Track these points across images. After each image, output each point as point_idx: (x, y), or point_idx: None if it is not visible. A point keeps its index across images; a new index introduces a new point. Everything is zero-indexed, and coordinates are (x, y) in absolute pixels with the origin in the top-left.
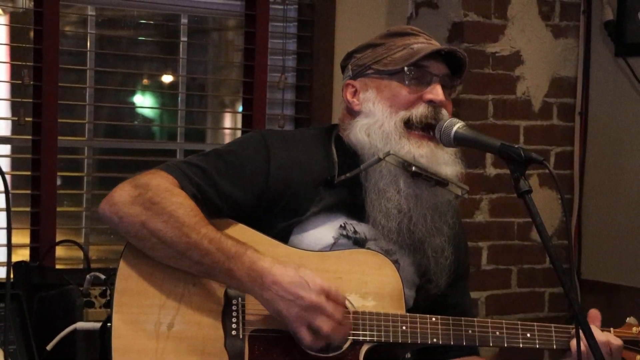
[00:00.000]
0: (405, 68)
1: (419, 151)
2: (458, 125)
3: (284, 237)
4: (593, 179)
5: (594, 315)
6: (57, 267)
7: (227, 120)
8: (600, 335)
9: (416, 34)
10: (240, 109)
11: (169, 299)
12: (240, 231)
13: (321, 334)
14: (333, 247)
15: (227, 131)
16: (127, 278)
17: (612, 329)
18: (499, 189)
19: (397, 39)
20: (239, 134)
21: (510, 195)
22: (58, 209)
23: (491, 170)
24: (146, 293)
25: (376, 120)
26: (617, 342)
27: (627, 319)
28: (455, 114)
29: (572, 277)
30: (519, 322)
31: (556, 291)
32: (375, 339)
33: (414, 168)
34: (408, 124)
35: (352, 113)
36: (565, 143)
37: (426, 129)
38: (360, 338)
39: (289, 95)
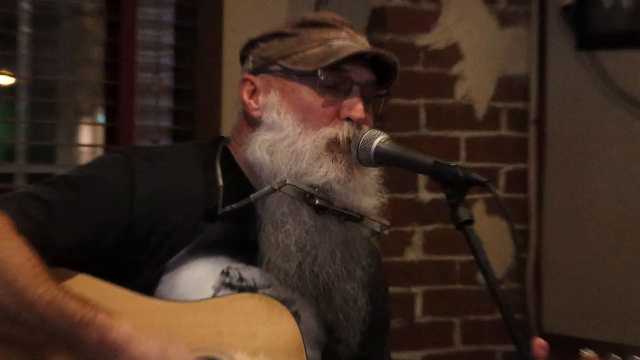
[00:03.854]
0: (319, 71)
1: (337, 174)
2: (380, 139)
3: (150, 285)
4: (554, 205)
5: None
6: None
7: (85, 135)
8: None
9: (338, 26)
10: (101, 119)
11: None
12: (89, 285)
13: None
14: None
15: (84, 149)
16: None
17: None
18: (436, 219)
19: (313, 30)
20: (100, 152)
21: (450, 227)
22: None
23: (425, 195)
24: None
25: (284, 137)
26: None
27: (582, 351)
28: (377, 124)
29: (528, 331)
30: None
31: (512, 349)
32: None
33: (317, 201)
34: (333, 144)
35: (249, 119)
36: (518, 159)
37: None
38: None
39: (166, 102)
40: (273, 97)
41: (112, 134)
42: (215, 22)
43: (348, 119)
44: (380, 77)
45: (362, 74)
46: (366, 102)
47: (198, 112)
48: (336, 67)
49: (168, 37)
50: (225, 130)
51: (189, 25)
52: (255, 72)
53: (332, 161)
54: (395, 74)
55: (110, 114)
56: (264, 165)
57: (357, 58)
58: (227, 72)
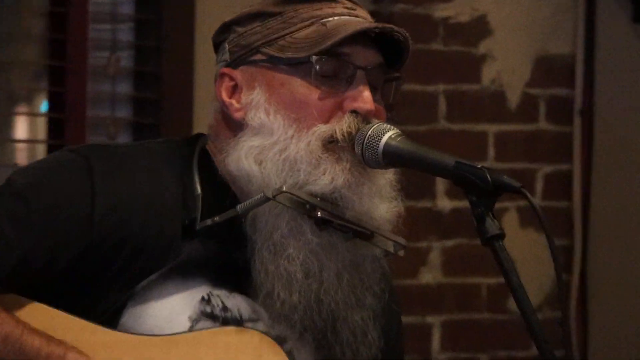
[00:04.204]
0: (314, 57)
1: (346, 177)
2: (389, 135)
3: (113, 316)
4: (603, 215)
5: None
6: None
7: (21, 128)
8: None
9: None
10: (43, 108)
11: None
12: (40, 314)
13: None
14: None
15: (21, 146)
16: None
17: None
18: (457, 233)
19: (301, 6)
20: (42, 151)
21: (476, 242)
22: None
23: (444, 203)
24: None
25: (274, 142)
26: None
27: None
28: (387, 116)
29: None
30: None
31: None
32: None
33: (319, 213)
34: (330, 143)
35: (229, 121)
36: (559, 159)
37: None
38: None
39: (125, 88)
40: (258, 94)
41: (57, 127)
42: None
43: (354, 111)
44: (389, 58)
45: (366, 56)
46: (373, 89)
47: (164, 100)
48: (334, 51)
49: (127, 7)
50: (198, 123)
51: None
52: (234, 64)
53: (337, 162)
54: (407, 54)
55: (54, 102)
56: (252, 177)
57: (359, 37)
58: (201, 50)
